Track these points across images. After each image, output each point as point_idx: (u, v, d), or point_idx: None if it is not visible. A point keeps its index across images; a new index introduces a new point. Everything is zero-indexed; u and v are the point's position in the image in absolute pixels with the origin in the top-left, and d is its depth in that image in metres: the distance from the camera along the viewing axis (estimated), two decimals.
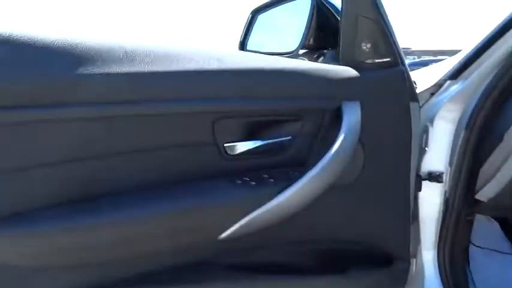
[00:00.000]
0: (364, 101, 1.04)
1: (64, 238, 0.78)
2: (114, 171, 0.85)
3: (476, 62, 1.14)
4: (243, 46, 1.34)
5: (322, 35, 1.20)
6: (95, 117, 0.81)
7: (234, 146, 0.97)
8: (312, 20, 1.17)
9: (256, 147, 1.00)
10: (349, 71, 1.06)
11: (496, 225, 1.39)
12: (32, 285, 0.79)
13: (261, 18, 1.35)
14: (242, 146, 0.98)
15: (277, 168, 1.01)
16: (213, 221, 0.91)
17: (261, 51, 1.31)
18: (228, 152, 0.97)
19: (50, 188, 0.79)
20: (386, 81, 1.09)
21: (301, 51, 1.22)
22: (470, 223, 1.27)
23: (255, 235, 0.94)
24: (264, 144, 1.01)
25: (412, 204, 1.17)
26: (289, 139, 1.03)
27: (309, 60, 1.25)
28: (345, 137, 0.99)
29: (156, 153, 0.89)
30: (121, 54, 0.81)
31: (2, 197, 0.75)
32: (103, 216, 0.80)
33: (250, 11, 1.35)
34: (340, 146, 0.99)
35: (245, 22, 1.34)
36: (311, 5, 1.16)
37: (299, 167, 1.03)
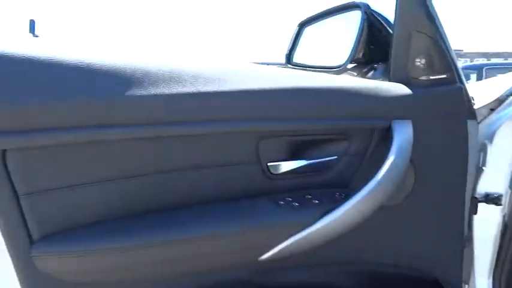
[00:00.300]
0: (417, 120, 0.99)
1: (110, 256, 0.79)
2: (161, 190, 0.86)
3: None
4: (289, 59, 1.32)
5: (373, 49, 1.15)
6: (143, 138, 0.82)
7: (277, 165, 0.95)
8: (362, 33, 1.12)
9: (300, 166, 0.97)
10: (401, 88, 1.01)
11: None
12: None
13: (308, 31, 1.31)
14: (286, 165, 0.96)
15: (321, 189, 0.98)
16: (255, 242, 0.89)
17: (308, 64, 1.27)
18: (272, 171, 0.94)
19: (99, 205, 0.81)
20: (442, 99, 1.03)
21: (350, 66, 1.17)
22: None
23: (298, 255, 0.91)
24: (308, 164, 0.97)
25: (466, 227, 1.10)
26: (335, 159, 0.99)
27: (358, 74, 1.20)
28: (395, 158, 0.94)
29: (202, 171, 0.88)
30: (168, 75, 0.82)
31: (54, 214, 0.77)
32: (149, 235, 0.81)
33: (297, 24, 1.32)
34: (390, 168, 0.94)
35: (292, 35, 1.32)
36: (361, 18, 1.12)
37: (343, 187, 0.99)
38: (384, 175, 0.93)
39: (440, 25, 1.01)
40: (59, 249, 0.76)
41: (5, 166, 0.72)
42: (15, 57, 0.72)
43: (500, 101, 1.12)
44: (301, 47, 1.32)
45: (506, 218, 1.09)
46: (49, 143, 0.75)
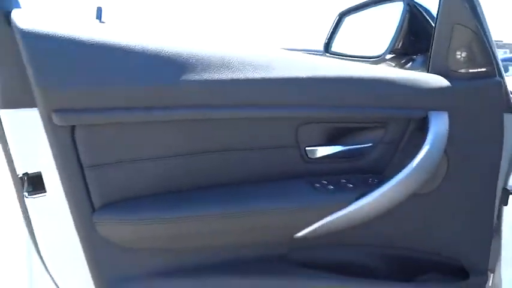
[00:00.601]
0: (453, 112, 1.01)
1: (162, 226, 0.86)
2: (209, 168, 0.91)
3: None
4: (327, 47, 1.34)
5: (413, 41, 1.17)
6: (196, 119, 0.88)
7: (315, 150, 0.99)
8: (403, 24, 1.13)
9: (336, 152, 1.01)
10: (439, 80, 1.03)
11: None
12: (130, 263, 0.88)
13: (348, 20, 1.33)
14: (323, 150, 0.99)
15: (356, 174, 1.01)
16: (291, 222, 0.94)
17: (346, 53, 1.29)
18: (309, 155, 0.98)
19: (155, 179, 0.88)
20: (480, 92, 1.04)
21: (388, 56, 1.18)
22: None
23: (331, 236, 0.96)
24: (344, 150, 1.01)
25: (495, 218, 1.11)
26: (370, 146, 1.02)
27: (396, 65, 1.21)
28: (430, 148, 0.97)
29: (245, 153, 0.93)
30: (219, 62, 0.87)
31: (114, 185, 0.84)
32: (194, 209, 0.87)
33: (338, 13, 1.34)
34: (424, 157, 0.97)
35: (331, 24, 1.33)
36: (403, 10, 1.13)
37: (378, 174, 1.02)
38: (417, 164, 0.96)
39: (483, 18, 1.01)
40: (118, 217, 0.83)
41: (74, 140, 0.79)
42: (85, 42, 0.78)
43: None
44: (340, 36, 1.34)
45: None
46: (112, 121, 0.82)
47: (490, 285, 1.17)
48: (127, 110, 0.81)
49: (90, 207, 0.83)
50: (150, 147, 0.86)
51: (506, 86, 1.05)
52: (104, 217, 0.83)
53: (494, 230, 1.13)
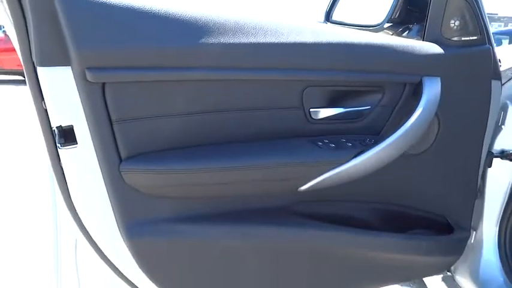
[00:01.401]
0: (445, 77, 1.07)
1: (176, 176, 0.94)
2: (224, 125, 0.99)
3: None
4: (328, 16, 1.39)
5: (409, 10, 1.22)
6: (210, 79, 0.95)
7: (318, 111, 1.06)
8: None
9: (337, 113, 1.08)
10: (434, 47, 1.09)
11: None
12: (152, 208, 0.96)
13: None
14: (325, 112, 1.07)
15: (355, 134, 1.09)
16: (295, 175, 1.02)
17: (346, 22, 1.35)
18: (313, 116, 1.06)
19: (176, 134, 0.95)
20: (471, 59, 1.11)
21: (387, 25, 1.25)
22: None
23: (329, 190, 1.04)
24: (345, 112, 1.08)
25: (479, 179, 1.20)
26: (369, 108, 1.10)
27: (394, 33, 1.28)
28: (422, 111, 1.04)
29: (255, 113, 1.01)
30: (233, 27, 0.93)
31: (139, 139, 0.92)
32: (207, 162, 0.96)
33: None
34: (417, 119, 1.04)
35: None
36: None
37: (375, 134, 1.10)
38: (410, 125, 1.04)
39: None
40: (141, 167, 0.91)
41: (104, 96, 0.86)
42: (116, 4, 0.84)
43: None
44: (341, 5, 1.40)
45: None
46: (139, 79, 0.89)
47: (472, 241, 1.26)
48: (152, 69, 0.88)
49: (118, 157, 0.90)
50: (171, 105, 0.93)
51: (495, 54, 1.12)
52: (129, 167, 0.91)
53: (478, 190, 1.21)
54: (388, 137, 1.05)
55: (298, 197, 1.07)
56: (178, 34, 0.89)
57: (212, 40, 0.91)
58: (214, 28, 0.91)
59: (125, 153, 0.91)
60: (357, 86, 1.09)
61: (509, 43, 8.54)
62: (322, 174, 1.02)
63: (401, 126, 1.05)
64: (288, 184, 1.04)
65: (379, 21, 1.24)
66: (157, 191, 0.95)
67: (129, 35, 0.86)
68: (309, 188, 1.03)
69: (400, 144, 1.05)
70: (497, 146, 1.20)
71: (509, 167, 1.21)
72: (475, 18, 1.09)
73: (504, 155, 1.19)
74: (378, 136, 1.09)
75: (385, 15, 1.22)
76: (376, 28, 1.25)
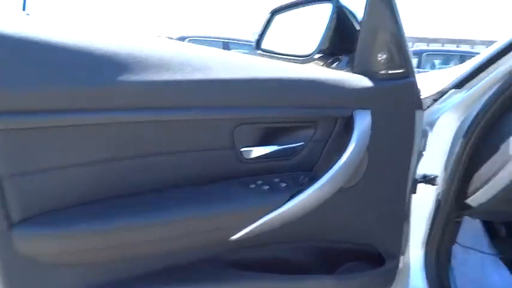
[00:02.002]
0: (375, 110, 1.08)
1: (86, 239, 0.81)
2: (141, 173, 0.88)
3: (481, 74, 1.20)
4: (258, 45, 1.35)
5: (339, 42, 1.22)
6: (125, 122, 0.84)
7: (250, 150, 1.01)
8: (330, 25, 1.18)
9: (271, 152, 1.03)
10: (363, 80, 1.09)
11: (478, 224, 1.48)
12: (56, 282, 0.82)
13: (279, 18, 1.36)
14: (257, 151, 1.02)
15: (289, 172, 1.05)
16: (227, 225, 0.96)
17: (276, 51, 1.32)
18: (245, 156, 1.00)
19: (81, 187, 0.82)
20: (398, 92, 1.13)
21: (317, 56, 1.23)
22: (458, 224, 1.35)
23: (265, 235, 0.99)
24: (278, 150, 1.04)
25: (406, 206, 1.22)
26: (302, 144, 1.06)
27: (324, 64, 1.27)
28: (355, 145, 1.03)
29: (180, 156, 0.92)
30: (157, 63, 0.84)
31: (37, 196, 0.77)
32: (125, 219, 0.84)
33: (269, 11, 1.36)
34: (351, 154, 1.02)
35: (263, 22, 1.35)
36: (332, 11, 1.17)
37: (309, 171, 1.07)
38: (345, 161, 1.02)
39: (402, 24, 1.09)
40: (41, 231, 0.77)
41: None
42: (8, 36, 0.71)
43: (442, 93, 1.25)
44: (271, 34, 1.37)
45: (439, 197, 1.23)
46: (34, 125, 0.75)
47: (400, 266, 1.26)
48: (51, 112, 0.75)
49: (7, 221, 0.75)
50: (80, 152, 0.81)
51: (417, 85, 1.16)
52: (25, 232, 0.76)
53: (405, 217, 1.23)
54: (322, 175, 1.02)
55: (229, 246, 1.00)
56: (86, 71, 0.77)
57: (130, 78, 0.80)
58: (134, 64, 0.81)
59: (18, 215, 0.76)
60: (290, 122, 1.06)
61: (418, 63, 9.27)
62: (255, 221, 0.96)
63: (335, 162, 1.03)
64: (218, 234, 0.96)
65: (310, 51, 1.22)
66: (63, 259, 0.81)
67: (20, 72, 0.72)
68: (241, 237, 0.96)
69: (335, 182, 1.03)
70: (420, 171, 1.23)
71: (431, 191, 1.25)
72: (401, 52, 1.11)
73: (426, 179, 1.22)
74: (311, 172, 1.06)
75: (316, 46, 1.20)
76: (306, 59, 1.23)
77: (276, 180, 1.01)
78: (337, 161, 1.02)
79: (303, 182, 1.02)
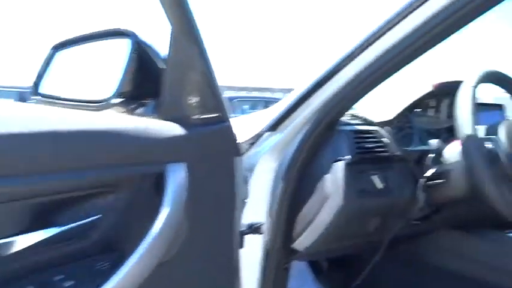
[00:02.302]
0: (190, 162, 0.92)
1: None
2: None
3: (292, 115, 1.23)
4: (36, 89, 1.05)
5: (143, 84, 1.03)
6: None
7: (12, 242, 0.69)
8: (130, 65, 0.98)
9: (50, 237, 0.73)
10: (174, 128, 0.92)
11: (303, 265, 1.57)
12: None
13: (64, 56, 1.08)
14: (26, 240, 0.70)
15: (80, 259, 0.77)
16: None
17: (61, 96, 1.04)
18: (4, 250, 0.68)
19: None
20: (214, 138, 1.01)
21: (116, 100, 1.01)
22: (287, 271, 1.34)
23: None
24: (63, 231, 0.75)
25: (235, 261, 1.10)
26: (97, 218, 0.80)
27: (126, 111, 1.05)
28: (170, 209, 0.84)
29: None
30: None
31: None
32: None
33: (51, 47, 1.08)
34: (165, 221, 0.83)
35: (43, 59, 1.07)
36: (131, 48, 0.97)
37: (113, 252, 0.82)
38: (158, 231, 0.81)
39: (211, 63, 0.97)
40: None
41: None
42: None
43: (258, 136, 1.26)
44: (54, 74, 1.08)
45: (267, 246, 1.21)
46: None
47: None
48: None
49: None
50: None
51: (233, 130, 1.06)
52: None
53: (235, 272, 1.10)
54: (130, 253, 0.77)
55: None
56: None
57: None
58: None
59: None
60: (77, 191, 0.78)
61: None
62: None
63: (146, 235, 0.80)
64: None
65: (107, 95, 0.99)
66: None
67: None
68: None
69: (149, 259, 0.80)
70: (245, 220, 1.13)
71: (258, 241, 1.20)
72: (214, 95, 0.99)
73: (252, 229, 1.15)
74: (114, 254, 0.81)
75: (114, 89, 0.97)
76: (102, 105, 0.98)
77: (57, 278, 0.72)
78: (147, 234, 0.80)
79: (101, 271, 0.75)
